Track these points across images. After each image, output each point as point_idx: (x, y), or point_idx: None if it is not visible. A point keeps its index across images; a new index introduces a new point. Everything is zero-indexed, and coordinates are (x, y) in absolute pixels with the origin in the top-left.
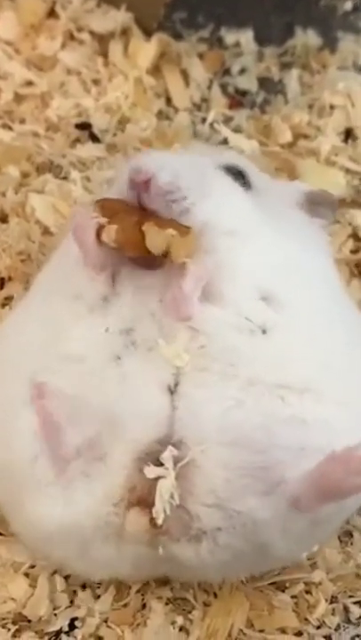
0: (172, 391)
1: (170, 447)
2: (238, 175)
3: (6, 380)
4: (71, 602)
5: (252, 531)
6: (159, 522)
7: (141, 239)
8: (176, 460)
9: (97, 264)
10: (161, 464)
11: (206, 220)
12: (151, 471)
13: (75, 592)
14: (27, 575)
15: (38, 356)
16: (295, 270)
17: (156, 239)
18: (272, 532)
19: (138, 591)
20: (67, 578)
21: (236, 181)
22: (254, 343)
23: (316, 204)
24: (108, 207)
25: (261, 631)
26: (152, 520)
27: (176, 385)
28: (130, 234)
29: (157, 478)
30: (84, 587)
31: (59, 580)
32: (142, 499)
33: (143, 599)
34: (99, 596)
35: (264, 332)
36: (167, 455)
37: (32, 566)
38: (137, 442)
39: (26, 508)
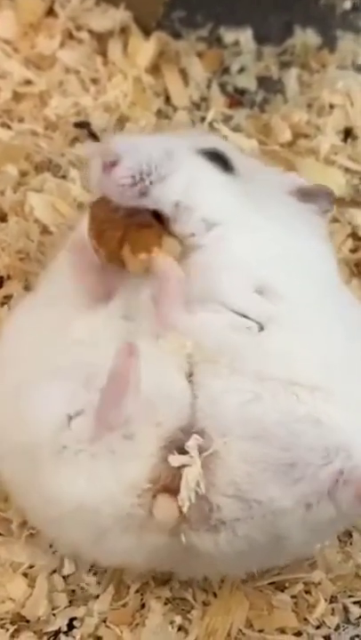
0: (189, 380)
1: (195, 435)
2: (217, 159)
3: (26, 358)
4: (70, 602)
5: (271, 521)
6: (185, 509)
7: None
8: (200, 450)
9: (99, 294)
10: (184, 452)
11: (174, 199)
12: (176, 459)
13: (73, 592)
14: (25, 575)
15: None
16: (289, 259)
17: (133, 265)
18: (291, 522)
19: (137, 591)
20: (65, 578)
21: (215, 165)
22: (253, 340)
23: (312, 195)
24: (97, 219)
25: (261, 631)
26: (178, 508)
27: (191, 375)
28: (116, 257)
29: (181, 467)
30: (82, 586)
31: (57, 579)
32: (165, 488)
33: (142, 599)
34: (97, 596)
35: (262, 328)
36: (192, 443)
37: (31, 566)
38: (164, 427)
39: (43, 487)
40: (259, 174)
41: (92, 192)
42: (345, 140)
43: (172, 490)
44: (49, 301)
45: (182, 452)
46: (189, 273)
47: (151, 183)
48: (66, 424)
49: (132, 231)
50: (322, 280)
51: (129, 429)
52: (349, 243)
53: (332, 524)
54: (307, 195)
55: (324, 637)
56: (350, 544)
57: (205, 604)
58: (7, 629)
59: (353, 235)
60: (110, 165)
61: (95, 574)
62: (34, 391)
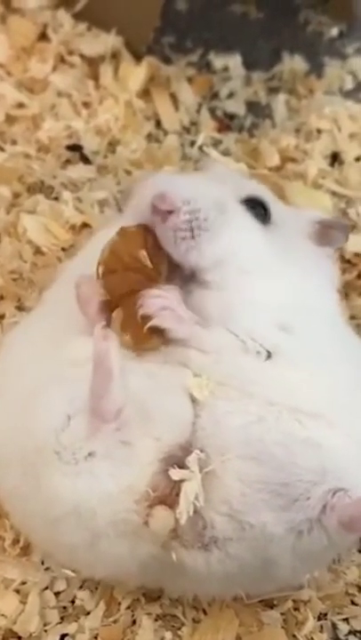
0: (193, 399)
1: (196, 450)
2: (259, 207)
3: (28, 366)
4: (61, 618)
5: (263, 545)
6: (182, 522)
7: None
8: (200, 466)
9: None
10: (182, 468)
11: (216, 258)
12: (176, 473)
13: (65, 608)
14: (17, 592)
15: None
16: (303, 305)
17: (114, 327)
18: (282, 548)
19: (128, 607)
20: (57, 594)
21: (257, 215)
22: (260, 365)
23: (330, 228)
24: (116, 254)
25: None
26: (174, 520)
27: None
28: (109, 295)
29: (180, 481)
30: (73, 602)
31: (49, 596)
32: (163, 500)
33: (133, 615)
34: (89, 612)
35: (270, 355)
36: (193, 458)
37: (23, 583)
38: (163, 442)
39: (44, 487)
40: (286, 219)
41: (85, 214)
42: (332, 164)
43: (169, 502)
44: (50, 319)
45: (181, 467)
46: (206, 305)
47: (200, 230)
48: (66, 424)
49: (132, 298)
50: (329, 320)
51: (126, 435)
52: (337, 265)
53: (323, 554)
54: (325, 228)
55: None
56: (338, 561)
57: (196, 620)
58: None
59: (341, 257)
60: (166, 213)
61: (87, 591)
62: (36, 397)
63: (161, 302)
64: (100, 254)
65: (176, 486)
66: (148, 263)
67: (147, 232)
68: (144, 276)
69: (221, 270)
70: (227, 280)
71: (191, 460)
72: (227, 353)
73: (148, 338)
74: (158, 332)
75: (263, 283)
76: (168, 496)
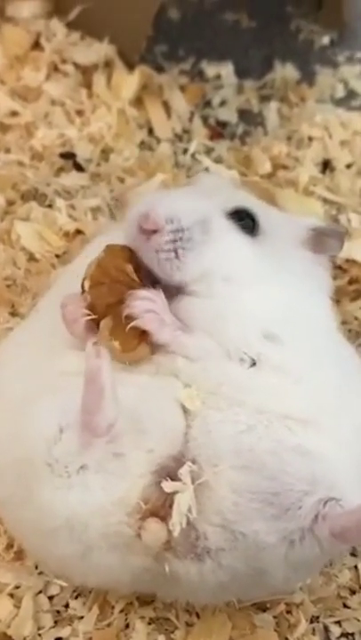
0: (184, 409)
1: (188, 462)
2: (248, 219)
3: (21, 375)
4: (55, 622)
5: (255, 555)
6: (175, 534)
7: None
8: (192, 477)
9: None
10: (175, 479)
11: (201, 273)
12: (169, 486)
13: (59, 612)
14: (11, 596)
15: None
16: (293, 312)
17: (101, 338)
18: (274, 557)
19: (121, 611)
20: (51, 598)
21: (244, 227)
22: (246, 372)
23: (325, 236)
24: (102, 267)
25: None
26: (166, 532)
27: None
28: (95, 311)
29: (173, 493)
30: (67, 606)
31: (43, 600)
32: (155, 512)
33: (126, 619)
34: (82, 617)
35: (254, 363)
36: (185, 470)
37: (17, 587)
38: (156, 453)
39: (36, 499)
40: (277, 226)
41: (79, 221)
42: (323, 171)
43: (161, 514)
44: (43, 329)
45: (173, 478)
46: (192, 312)
47: (184, 250)
48: (58, 436)
49: (120, 307)
50: (319, 327)
51: (118, 447)
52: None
53: (315, 563)
54: (321, 236)
55: None
56: (330, 565)
57: (189, 624)
58: None
59: (332, 263)
60: (151, 232)
61: (80, 595)
62: (29, 407)
63: (147, 305)
64: (87, 269)
65: (168, 498)
66: (135, 277)
67: (131, 251)
68: (130, 289)
69: (207, 281)
70: (213, 289)
71: (183, 472)
72: (211, 360)
73: (136, 346)
74: (146, 340)
75: (250, 292)
76: (160, 508)
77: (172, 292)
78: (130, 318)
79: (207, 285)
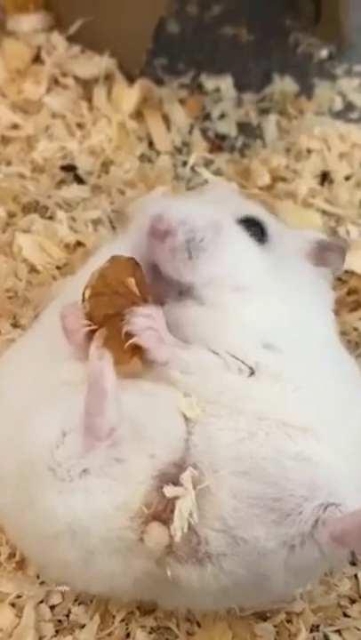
0: (185, 416)
1: (190, 468)
2: (257, 227)
3: (24, 385)
4: (56, 631)
5: (256, 560)
6: (177, 539)
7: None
8: (193, 483)
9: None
10: (176, 484)
11: (213, 276)
12: (171, 491)
13: (60, 621)
14: (13, 605)
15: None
16: (293, 322)
17: (96, 343)
18: (275, 562)
19: (122, 620)
20: (52, 608)
21: (253, 235)
22: (245, 382)
23: (326, 250)
24: (105, 277)
25: None
26: (169, 536)
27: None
28: (92, 320)
29: (174, 498)
30: (68, 616)
31: (44, 609)
32: (157, 517)
33: (127, 628)
34: (83, 626)
35: (253, 372)
36: (187, 475)
37: (18, 596)
38: (157, 459)
39: (38, 504)
40: (284, 239)
41: (80, 232)
42: (322, 183)
43: (163, 519)
44: (46, 338)
45: (175, 484)
46: (194, 320)
47: (197, 251)
48: (61, 440)
49: (117, 319)
50: (320, 337)
51: (120, 453)
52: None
53: (315, 568)
54: (323, 250)
55: None
56: (330, 574)
57: (190, 633)
58: None
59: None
60: (163, 233)
61: (81, 604)
62: (32, 412)
63: (147, 322)
64: (89, 278)
65: (170, 503)
66: (136, 290)
67: (136, 264)
68: (130, 302)
69: (216, 287)
70: (219, 297)
71: (185, 477)
72: (210, 372)
73: (128, 359)
74: (139, 354)
75: (254, 300)
76: (162, 513)
77: (175, 296)
78: (129, 335)
79: (215, 291)
